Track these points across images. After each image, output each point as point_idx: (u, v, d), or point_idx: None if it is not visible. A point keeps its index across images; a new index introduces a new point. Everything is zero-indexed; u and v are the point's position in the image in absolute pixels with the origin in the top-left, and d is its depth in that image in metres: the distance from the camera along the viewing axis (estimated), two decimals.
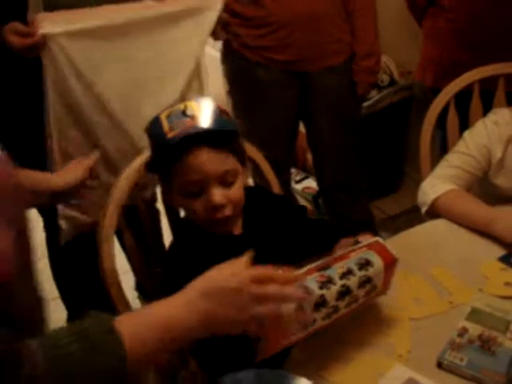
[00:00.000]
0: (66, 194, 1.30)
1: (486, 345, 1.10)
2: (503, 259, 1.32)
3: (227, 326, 0.88)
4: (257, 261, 1.04)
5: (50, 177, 1.31)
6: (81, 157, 1.37)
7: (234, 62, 2.04)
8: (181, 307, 0.86)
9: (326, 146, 2.11)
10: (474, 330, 1.13)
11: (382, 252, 1.11)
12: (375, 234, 1.31)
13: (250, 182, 1.51)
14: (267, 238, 1.24)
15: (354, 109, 2.11)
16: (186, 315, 0.85)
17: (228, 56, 2.05)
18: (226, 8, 1.60)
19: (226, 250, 1.06)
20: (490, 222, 1.37)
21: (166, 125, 1.13)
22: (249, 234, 1.24)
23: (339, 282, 1.03)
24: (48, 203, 1.43)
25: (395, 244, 1.31)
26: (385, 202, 2.80)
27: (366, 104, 2.47)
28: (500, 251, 1.34)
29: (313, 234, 1.32)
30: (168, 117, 1.14)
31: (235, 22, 1.83)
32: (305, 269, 1.02)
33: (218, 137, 1.14)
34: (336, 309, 1.04)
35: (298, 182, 2.78)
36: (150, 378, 1.34)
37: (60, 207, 1.59)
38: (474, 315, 1.17)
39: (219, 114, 1.15)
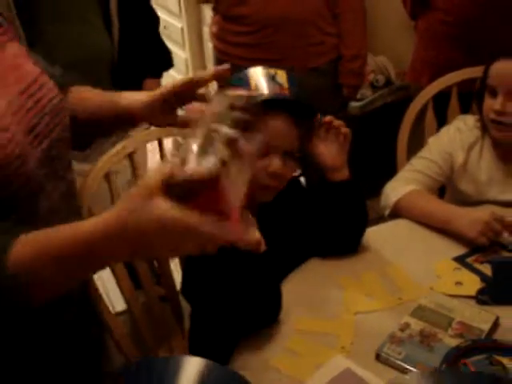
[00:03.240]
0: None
1: (425, 340, 1.14)
2: (458, 259, 1.35)
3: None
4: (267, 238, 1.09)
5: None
6: None
7: None
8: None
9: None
10: (416, 325, 1.17)
11: None
12: None
13: None
14: (279, 216, 1.29)
15: (338, 110, 2.14)
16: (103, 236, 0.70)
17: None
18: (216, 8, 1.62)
19: None
20: (450, 219, 1.40)
21: (253, 81, 1.15)
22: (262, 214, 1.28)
23: None
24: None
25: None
26: (377, 201, 2.81)
27: (359, 104, 2.50)
28: (457, 252, 1.37)
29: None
30: (257, 75, 1.15)
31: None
32: None
33: (301, 112, 1.19)
34: None
35: None
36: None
37: None
38: (419, 311, 1.20)
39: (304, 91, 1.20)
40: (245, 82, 1.15)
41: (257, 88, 1.14)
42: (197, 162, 0.71)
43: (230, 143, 0.73)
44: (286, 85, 1.16)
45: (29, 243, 0.74)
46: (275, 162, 1.18)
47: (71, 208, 0.98)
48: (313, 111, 1.24)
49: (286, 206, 1.32)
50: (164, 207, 0.68)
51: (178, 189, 0.71)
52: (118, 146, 1.44)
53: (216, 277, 1.14)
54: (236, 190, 0.74)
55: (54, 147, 0.92)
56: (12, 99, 0.86)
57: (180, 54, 3.60)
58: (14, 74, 0.90)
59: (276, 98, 1.15)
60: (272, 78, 1.15)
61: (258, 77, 1.16)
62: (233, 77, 1.16)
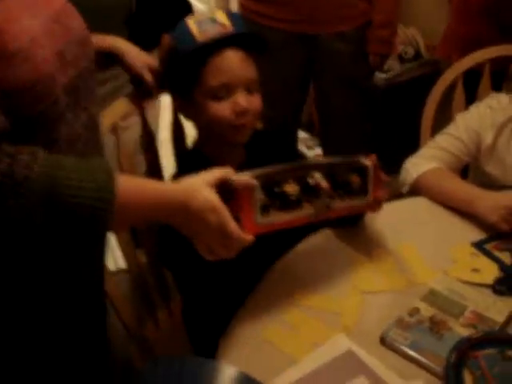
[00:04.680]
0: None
1: (434, 327, 1.07)
2: (476, 245, 1.27)
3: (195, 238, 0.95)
4: None
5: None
6: None
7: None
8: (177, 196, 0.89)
9: (330, 113, 2.07)
10: (427, 311, 1.10)
11: (371, 158, 1.16)
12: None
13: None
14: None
15: (363, 79, 2.05)
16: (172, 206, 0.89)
17: None
18: None
19: None
20: (472, 200, 1.32)
21: (195, 29, 1.15)
22: (249, 167, 1.24)
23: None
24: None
25: (370, 217, 1.30)
26: (397, 178, 2.74)
27: (385, 76, 2.40)
28: (476, 236, 1.30)
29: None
30: (197, 23, 1.16)
31: None
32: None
33: (248, 42, 1.18)
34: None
35: (309, 147, 2.74)
36: (127, 316, 1.36)
37: None
38: (430, 296, 1.13)
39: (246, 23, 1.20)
40: (186, 33, 1.15)
41: (200, 34, 1.14)
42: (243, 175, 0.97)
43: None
44: (227, 22, 1.16)
45: (132, 184, 0.87)
46: (240, 99, 1.16)
47: (92, 140, 0.99)
48: (261, 39, 1.22)
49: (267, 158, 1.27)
50: (214, 196, 0.91)
51: (222, 187, 0.93)
52: (124, 99, 1.36)
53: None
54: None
55: (79, 77, 0.92)
56: (43, 23, 0.86)
57: (204, 7, 3.49)
58: (43, 0, 0.89)
59: (220, 38, 1.14)
60: (212, 21, 1.15)
61: (199, 24, 1.16)
62: (174, 31, 1.19)
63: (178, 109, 1.35)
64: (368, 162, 1.15)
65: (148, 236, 1.44)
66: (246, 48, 1.18)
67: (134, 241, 1.42)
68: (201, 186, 0.90)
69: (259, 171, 1.01)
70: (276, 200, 1.01)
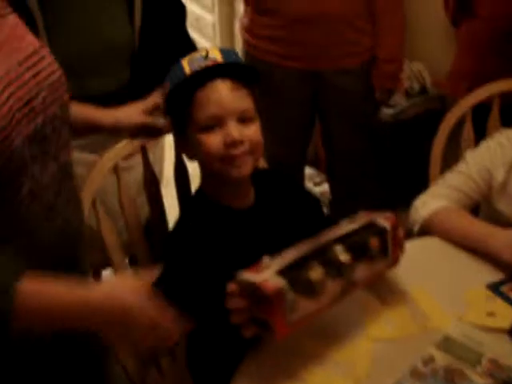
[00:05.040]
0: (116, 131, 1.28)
1: (450, 376, 1.02)
2: (492, 287, 1.22)
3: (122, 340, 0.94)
4: (264, 238, 1.16)
5: (102, 112, 1.28)
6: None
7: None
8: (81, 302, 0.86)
9: (337, 150, 2.05)
10: (442, 359, 1.05)
11: (389, 218, 1.13)
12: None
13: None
14: (278, 216, 1.23)
15: (369, 115, 2.03)
16: (84, 310, 0.86)
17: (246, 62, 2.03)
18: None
19: (237, 225, 1.16)
20: (486, 238, 1.28)
21: (187, 67, 1.13)
22: (259, 210, 1.22)
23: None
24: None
25: None
26: (406, 214, 2.69)
27: (391, 111, 2.38)
28: (491, 278, 1.25)
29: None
30: (189, 61, 1.14)
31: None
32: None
33: (238, 72, 1.14)
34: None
35: (316, 184, 2.71)
36: (129, 363, 1.32)
37: None
38: (446, 343, 1.08)
39: (241, 57, 1.19)
40: (178, 71, 1.14)
41: (189, 70, 1.12)
42: (269, 276, 0.94)
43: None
44: (219, 57, 1.13)
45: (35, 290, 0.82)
46: (231, 130, 1.11)
47: (64, 190, 0.96)
48: (251, 69, 1.19)
49: (275, 195, 1.26)
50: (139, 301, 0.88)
51: (249, 291, 0.94)
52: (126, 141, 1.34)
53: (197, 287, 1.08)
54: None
55: (48, 124, 0.89)
56: (10, 68, 0.83)
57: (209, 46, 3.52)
58: (14, 44, 0.86)
59: (205, 68, 1.11)
60: (204, 58, 1.13)
61: (191, 61, 1.13)
62: (168, 76, 1.17)
63: (179, 149, 1.33)
64: (386, 223, 1.12)
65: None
66: (239, 79, 1.14)
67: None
68: (123, 293, 0.88)
69: (281, 261, 0.98)
70: (301, 288, 0.97)
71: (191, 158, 1.22)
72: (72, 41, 1.50)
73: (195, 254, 1.12)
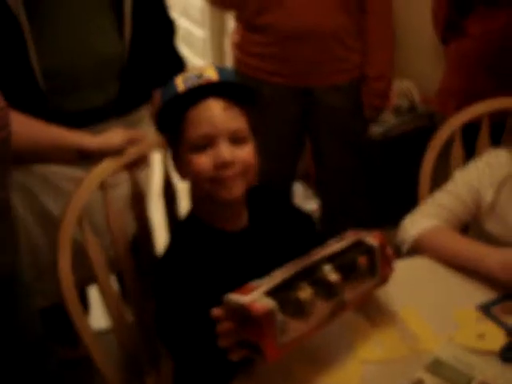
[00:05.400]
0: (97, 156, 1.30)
1: None
2: (482, 308, 1.21)
3: None
4: (259, 259, 1.13)
5: (84, 136, 1.30)
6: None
7: None
8: None
9: (326, 166, 2.05)
10: (431, 382, 1.03)
11: (377, 236, 1.12)
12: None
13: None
14: (272, 237, 1.21)
15: (359, 132, 2.03)
16: None
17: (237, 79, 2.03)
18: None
19: (231, 248, 1.14)
20: (482, 256, 1.26)
21: (181, 85, 1.11)
22: (253, 232, 1.20)
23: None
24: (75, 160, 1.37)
25: None
26: (394, 233, 2.69)
27: (380, 129, 2.38)
28: (481, 298, 1.23)
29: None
30: (184, 79, 1.12)
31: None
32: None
33: (231, 91, 1.11)
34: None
35: (306, 199, 2.70)
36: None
37: None
38: (435, 366, 1.07)
39: (236, 75, 1.17)
40: (171, 88, 1.12)
41: (182, 87, 1.10)
42: (258, 297, 0.92)
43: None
44: (214, 76, 1.11)
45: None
46: (222, 151, 1.08)
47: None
48: (247, 88, 1.15)
49: (268, 214, 1.25)
50: None
51: (238, 313, 0.92)
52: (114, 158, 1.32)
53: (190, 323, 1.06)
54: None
55: None
56: None
57: (200, 62, 3.52)
58: None
59: (197, 86, 1.09)
60: (199, 76, 1.11)
61: (185, 79, 1.11)
62: (162, 91, 1.16)
63: (174, 167, 1.30)
64: (374, 241, 1.11)
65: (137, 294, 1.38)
66: (233, 98, 1.12)
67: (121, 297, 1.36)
68: None
69: (269, 282, 0.96)
70: (291, 309, 0.96)
71: (184, 177, 1.19)
72: (61, 53, 1.49)
73: (188, 282, 1.09)
